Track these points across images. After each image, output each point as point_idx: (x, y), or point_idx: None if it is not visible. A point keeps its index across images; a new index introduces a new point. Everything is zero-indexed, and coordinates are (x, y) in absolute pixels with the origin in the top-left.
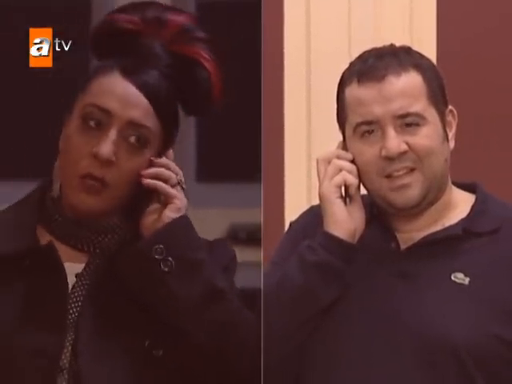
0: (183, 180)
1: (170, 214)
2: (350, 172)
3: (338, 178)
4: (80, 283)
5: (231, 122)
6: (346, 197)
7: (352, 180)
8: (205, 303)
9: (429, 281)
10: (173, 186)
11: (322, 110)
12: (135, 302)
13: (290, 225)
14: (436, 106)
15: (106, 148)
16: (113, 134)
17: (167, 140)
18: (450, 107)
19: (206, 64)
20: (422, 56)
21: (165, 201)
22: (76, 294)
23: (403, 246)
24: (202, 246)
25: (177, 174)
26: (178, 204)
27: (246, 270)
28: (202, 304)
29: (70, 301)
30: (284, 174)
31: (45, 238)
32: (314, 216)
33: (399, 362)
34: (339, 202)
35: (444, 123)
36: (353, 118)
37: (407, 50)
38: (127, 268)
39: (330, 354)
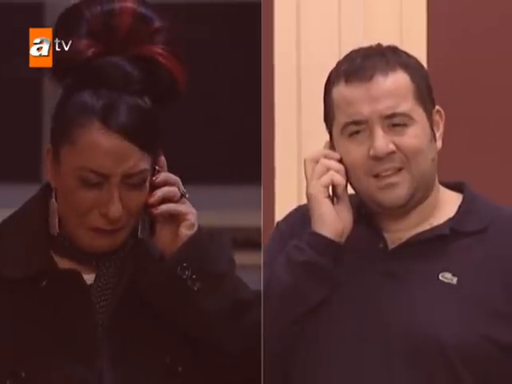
0: (184, 189)
1: (186, 231)
2: (337, 172)
3: (326, 178)
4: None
5: (231, 124)
6: (334, 196)
7: (340, 180)
8: (235, 314)
9: (417, 280)
10: (179, 201)
11: (313, 112)
12: (154, 319)
13: (277, 224)
14: (423, 106)
15: (115, 208)
16: (115, 191)
17: (157, 153)
18: (437, 107)
19: (165, 61)
20: (408, 55)
21: (177, 219)
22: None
23: (391, 246)
24: (221, 258)
25: (178, 186)
26: (191, 219)
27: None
28: (232, 315)
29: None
30: (274, 176)
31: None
32: (302, 216)
33: (387, 362)
34: (327, 202)
35: (431, 123)
36: (340, 118)
37: (394, 50)
38: (153, 289)
39: (318, 354)
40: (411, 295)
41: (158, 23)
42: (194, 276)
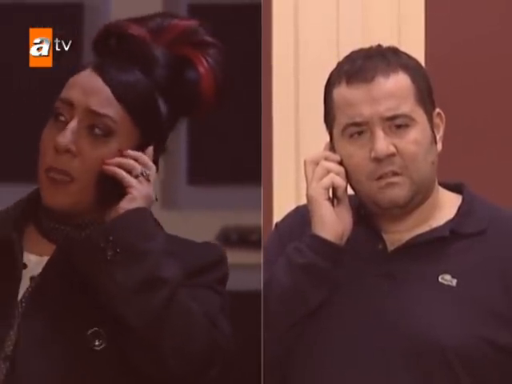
0: (150, 173)
1: (123, 204)
2: (337, 174)
3: (326, 180)
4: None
5: (230, 125)
6: (334, 198)
7: (340, 182)
8: (142, 291)
9: (416, 282)
10: (135, 177)
11: (311, 112)
12: (84, 292)
13: (276, 225)
14: (424, 107)
15: (63, 137)
16: (73, 123)
17: (143, 136)
18: (438, 110)
19: (199, 65)
20: (409, 56)
21: (124, 192)
22: (29, 287)
23: (390, 247)
24: (154, 238)
25: (146, 168)
26: (134, 194)
27: (238, 273)
28: (139, 291)
29: (24, 292)
30: (272, 176)
31: (31, 235)
32: (301, 216)
33: (386, 363)
34: (327, 204)
35: (432, 124)
36: (341, 119)
37: (394, 51)
38: (77, 255)
39: (317, 355)
40: (410, 297)
41: (210, 39)
42: (113, 247)
